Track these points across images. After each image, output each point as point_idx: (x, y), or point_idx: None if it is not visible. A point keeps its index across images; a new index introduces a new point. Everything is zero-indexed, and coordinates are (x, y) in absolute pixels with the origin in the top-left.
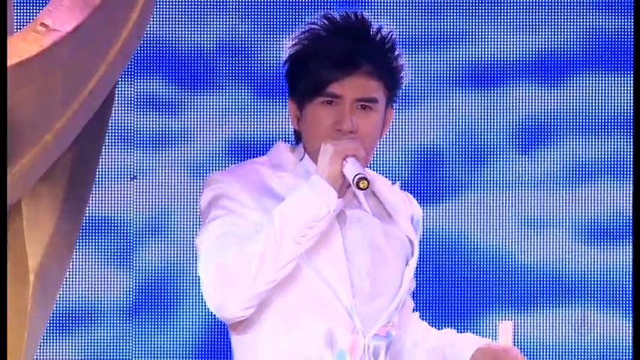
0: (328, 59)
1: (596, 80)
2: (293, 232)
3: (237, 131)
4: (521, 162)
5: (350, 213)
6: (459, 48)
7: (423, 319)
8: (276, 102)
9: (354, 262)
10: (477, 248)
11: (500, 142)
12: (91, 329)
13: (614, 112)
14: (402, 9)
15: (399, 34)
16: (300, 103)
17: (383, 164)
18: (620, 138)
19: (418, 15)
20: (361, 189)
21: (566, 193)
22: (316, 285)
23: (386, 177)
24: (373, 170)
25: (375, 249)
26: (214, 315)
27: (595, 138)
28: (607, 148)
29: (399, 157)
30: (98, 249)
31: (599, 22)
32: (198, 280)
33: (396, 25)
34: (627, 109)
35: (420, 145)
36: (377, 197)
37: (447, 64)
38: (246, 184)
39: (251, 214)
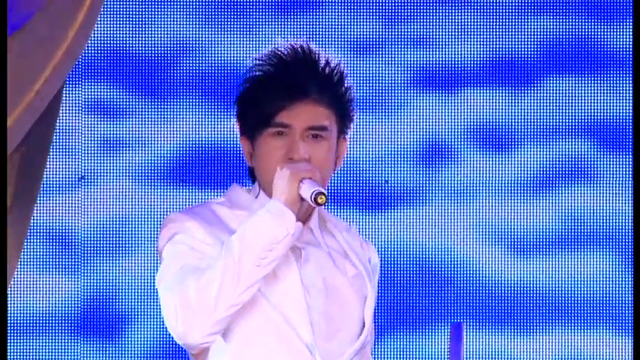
0: (276, 89)
1: (565, 82)
2: (252, 255)
3: (188, 137)
4: (490, 166)
5: (307, 250)
6: (427, 50)
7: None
8: (228, 107)
9: (311, 299)
10: (444, 257)
11: (468, 144)
12: (39, 340)
13: (586, 115)
14: (372, 10)
15: (369, 36)
16: (251, 138)
17: (351, 166)
18: (592, 141)
19: (388, 17)
20: (319, 204)
21: (536, 199)
22: (277, 321)
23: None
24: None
25: (331, 286)
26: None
27: (565, 141)
28: (576, 151)
29: (367, 160)
30: (45, 257)
31: (570, 24)
32: (149, 290)
33: (366, 26)
34: (600, 111)
35: (389, 147)
36: (333, 236)
37: (415, 66)
38: (203, 221)
39: (210, 250)
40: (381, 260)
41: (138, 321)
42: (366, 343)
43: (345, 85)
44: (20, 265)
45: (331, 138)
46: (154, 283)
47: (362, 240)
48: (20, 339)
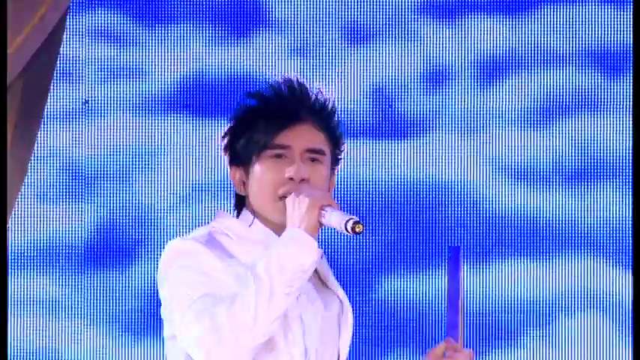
0: (273, 115)
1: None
2: (282, 284)
3: (194, 65)
4: (493, 97)
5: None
6: None
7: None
8: (233, 34)
9: (307, 327)
10: (447, 186)
11: (473, 73)
12: (42, 271)
13: (591, 44)
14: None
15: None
16: (245, 164)
17: (357, 96)
18: (601, 71)
19: None
20: (357, 233)
21: (539, 128)
22: (279, 351)
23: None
24: None
25: (320, 320)
26: None
27: (568, 69)
28: (580, 80)
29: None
30: (49, 186)
31: None
32: (153, 220)
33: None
34: (605, 40)
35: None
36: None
37: None
38: (211, 247)
39: (223, 276)
40: (386, 190)
41: (144, 250)
42: None
43: (336, 117)
44: (23, 194)
45: (327, 162)
46: (157, 211)
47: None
48: (23, 271)
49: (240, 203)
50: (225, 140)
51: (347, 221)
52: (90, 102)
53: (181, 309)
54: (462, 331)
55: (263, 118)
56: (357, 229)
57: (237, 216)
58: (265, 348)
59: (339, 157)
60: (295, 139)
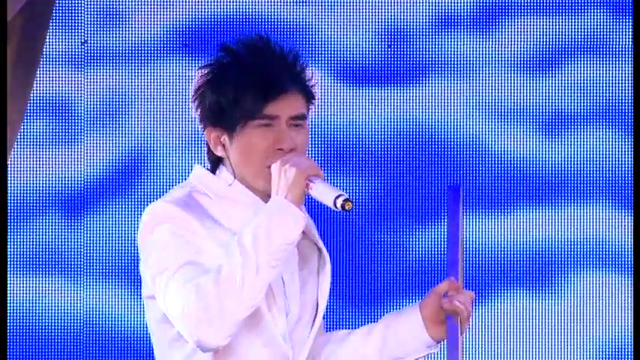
0: (259, 81)
1: None
2: (268, 257)
3: (191, 6)
4: (491, 43)
5: None
6: None
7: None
8: None
9: (288, 288)
10: (445, 131)
11: (469, 19)
12: (39, 217)
13: None
14: None
15: None
16: (229, 129)
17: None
18: (603, 14)
19: None
20: (346, 210)
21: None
22: (262, 314)
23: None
24: None
25: (300, 272)
26: None
27: (572, 13)
28: (586, 24)
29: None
30: (46, 129)
31: None
32: (150, 162)
33: None
34: None
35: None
36: None
37: None
38: (191, 210)
39: (206, 243)
40: (386, 135)
41: (137, 191)
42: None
43: (303, 64)
44: (20, 138)
45: (307, 124)
46: (156, 151)
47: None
48: (20, 217)
49: (216, 161)
50: (199, 94)
51: (337, 197)
52: (89, 43)
53: (164, 277)
54: (462, 272)
55: (248, 89)
56: (346, 207)
57: (214, 172)
58: (249, 314)
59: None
60: (283, 108)
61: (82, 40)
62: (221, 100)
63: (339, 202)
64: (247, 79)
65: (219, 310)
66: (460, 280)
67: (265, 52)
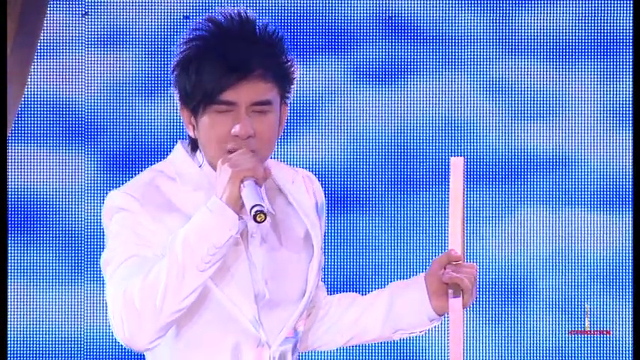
0: (219, 66)
1: None
2: (196, 260)
3: None
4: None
5: (251, 223)
6: None
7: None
8: None
9: (257, 272)
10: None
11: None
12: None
13: None
14: None
15: None
16: (194, 111)
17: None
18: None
19: None
20: (258, 222)
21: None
22: (220, 301)
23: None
24: None
25: (276, 255)
26: None
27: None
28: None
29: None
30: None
31: None
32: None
33: None
34: None
35: None
36: (279, 190)
37: None
38: (146, 202)
39: (154, 237)
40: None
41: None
42: (308, 306)
43: (284, 49)
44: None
45: (275, 110)
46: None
47: (307, 178)
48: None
49: (195, 140)
50: (174, 72)
51: (253, 206)
52: (89, 13)
53: (108, 270)
54: (463, 244)
55: (210, 72)
56: (257, 218)
57: (194, 151)
58: (206, 304)
59: (290, 89)
60: (242, 94)
61: (84, 12)
62: (186, 82)
63: (253, 211)
64: (210, 63)
65: (138, 315)
66: (462, 251)
67: (236, 34)
